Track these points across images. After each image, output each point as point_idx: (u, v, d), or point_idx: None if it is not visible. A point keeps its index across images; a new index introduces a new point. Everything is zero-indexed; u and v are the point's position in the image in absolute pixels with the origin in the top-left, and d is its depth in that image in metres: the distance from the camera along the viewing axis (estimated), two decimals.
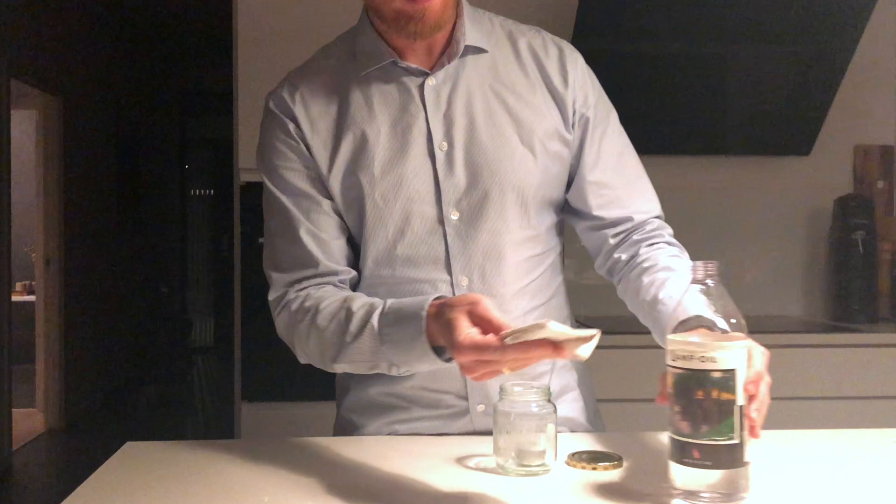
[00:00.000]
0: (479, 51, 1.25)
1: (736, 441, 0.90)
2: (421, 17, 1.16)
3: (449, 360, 1.06)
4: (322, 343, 1.18)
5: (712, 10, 2.80)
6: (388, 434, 1.31)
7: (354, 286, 1.28)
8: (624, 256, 1.30)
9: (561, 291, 1.36)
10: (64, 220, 5.50)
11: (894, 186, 3.24)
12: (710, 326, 0.96)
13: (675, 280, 1.19)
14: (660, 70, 2.94)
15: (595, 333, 0.91)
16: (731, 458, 0.90)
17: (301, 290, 1.23)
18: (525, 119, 1.24)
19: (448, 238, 1.23)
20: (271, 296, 1.26)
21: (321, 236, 1.24)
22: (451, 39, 1.24)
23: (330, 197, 1.25)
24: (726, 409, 0.90)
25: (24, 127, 6.17)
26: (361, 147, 1.23)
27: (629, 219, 1.30)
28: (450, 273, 1.24)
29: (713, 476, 0.90)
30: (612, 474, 1.08)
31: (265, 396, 2.80)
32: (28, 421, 5.38)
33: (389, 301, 1.14)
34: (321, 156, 1.24)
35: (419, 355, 1.08)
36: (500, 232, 1.24)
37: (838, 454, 1.22)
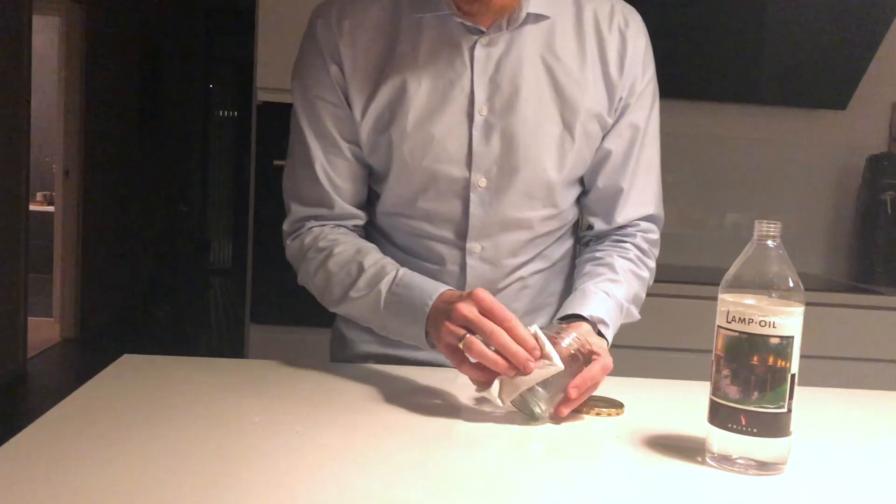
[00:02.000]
0: (541, 18, 1.18)
1: (785, 410, 0.87)
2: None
3: (433, 347, 1.11)
4: (328, 286, 1.22)
5: None
6: (373, 354, 1.32)
7: (370, 225, 1.30)
8: (592, 238, 1.33)
9: (567, 256, 1.35)
10: (85, 131, 5.49)
11: None
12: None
13: (602, 279, 1.22)
14: (698, 13, 2.84)
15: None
16: (777, 427, 0.87)
17: (319, 226, 1.25)
18: (571, 97, 1.19)
19: (471, 203, 1.21)
20: (286, 223, 1.28)
21: (335, 180, 1.24)
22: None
23: (353, 139, 1.23)
24: (780, 376, 0.86)
25: (47, 34, 6.10)
26: (399, 96, 1.18)
27: (615, 221, 1.29)
28: (465, 238, 1.23)
29: (756, 444, 0.87)
30: (613, 420, 1.06)
31: (274, 320, 2.80)
32: (43, 330, 5.47)
33: (402, 271, 1.16)
34: (356, 99, 1.20)
35: (411, 334, 1.13)
36: (524, 208, 1.22)
37: (864, 416, 1.20)
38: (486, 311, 1.01)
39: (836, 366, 2.54)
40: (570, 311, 1.16)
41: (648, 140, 1.27)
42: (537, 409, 1.01)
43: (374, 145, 1.21)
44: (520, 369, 0.98)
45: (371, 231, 1.30)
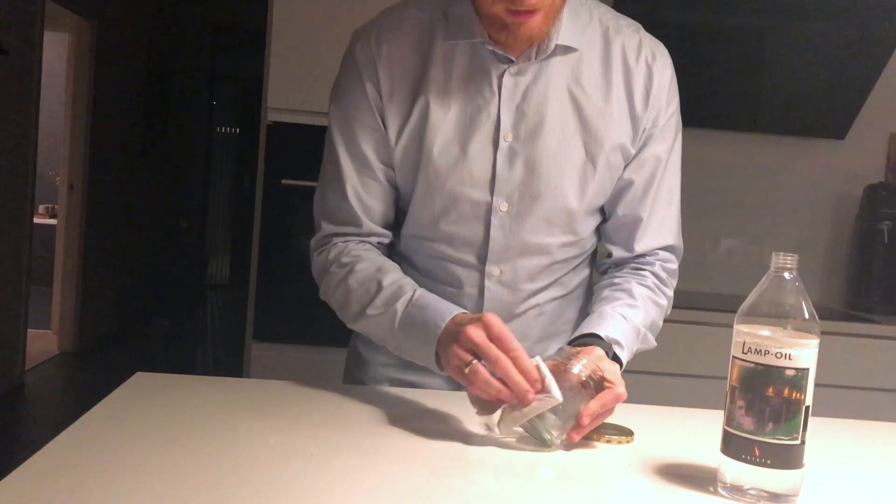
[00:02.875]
0: (570, 50, 1.21)
1: (798, 442, 0.88)
2: (516, 29, 1.13)
3: (442, 369, 1.12)
4: (347, 302, 1.23)
5: None
6: (389, 377, 1.34)
7: (390, 246, 1.32)
8: (611, 266, 1.34)
9: (583, 284, 1.37)
10: (90, 145, 5.50)
11: None
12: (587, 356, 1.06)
13: (620, 304, 1.23)
14: (699, 40, 2.87)
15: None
16: (791, 458, 0.88)
17: (343, 241, 1.27)
18: (596, 129, 1.22)
19: (492, 227, 1.23)
20: (314, 239, 1.31)
21: (366, 200, 1.26)
22: None
23: (387, 162, 1.25)
24: (795, 408, 0.88)
25: (57, 50, 6.14)
26: (428, 119, 1.21)
27: (635, 249, 1.31)
28: (484, 261, 1.25)
29: (769, 475, 0.88)
30: (623, 448, 1.07)
31: (276, 337, 2.81)
32: (42, 342, 5.46)
33: (419, 292, 1.17)
34: (392, 121, 1.23)
35: (422, 356, 1.14)
36: (543, 234, 1.24)
37: (851, 446, 1.21)
38: (494, 338, 1.03)
39: (829, 394, 2.54)
40: (586, 331, 1.18)
41: (670, 171, 1.29)
42: (547, 436, 1.02)
43: (403, 166, 1.24)
44: (519, 400, 1.00)
45: (391, 255, 1.32)
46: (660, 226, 1.30)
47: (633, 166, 1.26)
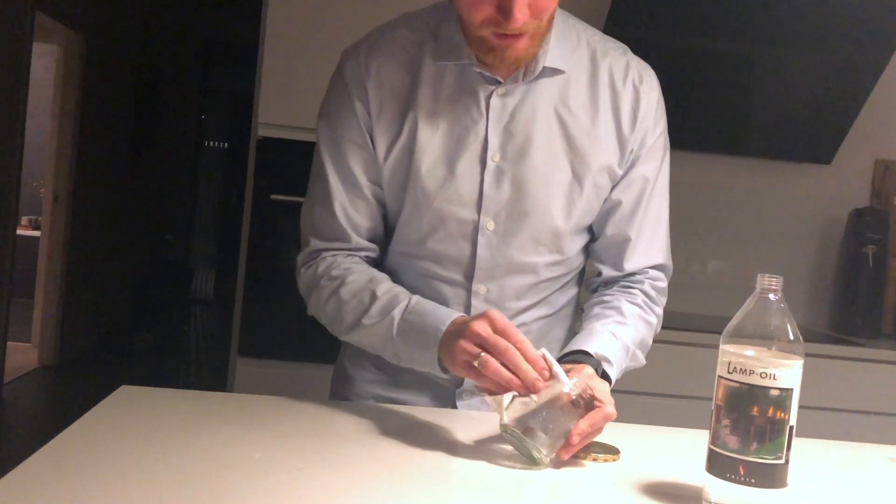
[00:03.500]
0: (557, 72, 1.22)
1: (782, 462, 0.89)
2: (503, 51, 1.14)
3: (446, 371, 1.13)
4: (339, 314, 1.24)
5: (747, 9, 2.76)
6: (375, 395, 1.34)
7: (378, 262, 1.32)
8: (600, 285, 1.35)
9: (571, 303, 1.38)
10: (76, 158, 5.48)
11: None
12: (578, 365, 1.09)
13: (609, 321, 1.24)
14: (688, 64, 2.90)
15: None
16: (775, 478, 0.89)
17: (332, 255, 1.28)
18: (583, 150, 1.23)
19: (478, 246, 1.24)
20: (301, 254, 1.31)
21: (354, 217, 1.27)
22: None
23: (375, 180, 1.26)
24: (779, 428, 0.89)
25: (45, 61, 6.13)
26: (417, 138, 1.22)
27: (624, 268, 1.32)
28: (471, 279, 1.25)
29: (753, 494, 0.88)
30: (610, 466, 1.07)
31: (261, 353, 2.80)
32: (21, 355, 5.40)
33: (414, 299, 1.18)
34: (381, 140, 1.24)
35: (424, 360, 1.15)
36: (530, 253, 1.25)
37: (834, 467, 1.22)
38: (499, 331, 1.05)
39: (813, 416, 2.56)
40: (575, 348, 1.19)
41: (658, 192, 1.30)
42: (536, 454, 1.02)
43: (391, 185, 1.25)
44: (528, 388, 1.02)
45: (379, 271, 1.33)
46: (649, 245, 1.31)
47: (621, 186, 1.27)
